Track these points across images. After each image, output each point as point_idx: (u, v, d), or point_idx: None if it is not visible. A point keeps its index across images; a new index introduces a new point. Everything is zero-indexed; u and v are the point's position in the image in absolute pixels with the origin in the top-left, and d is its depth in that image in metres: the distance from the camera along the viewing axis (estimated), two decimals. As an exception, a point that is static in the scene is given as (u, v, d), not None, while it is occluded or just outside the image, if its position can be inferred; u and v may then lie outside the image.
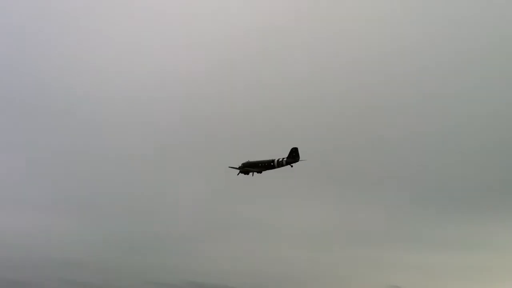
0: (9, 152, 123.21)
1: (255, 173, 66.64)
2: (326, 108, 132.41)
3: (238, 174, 63.99)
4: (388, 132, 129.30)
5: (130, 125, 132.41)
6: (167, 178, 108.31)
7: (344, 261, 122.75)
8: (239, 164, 64.33)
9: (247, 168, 63.55)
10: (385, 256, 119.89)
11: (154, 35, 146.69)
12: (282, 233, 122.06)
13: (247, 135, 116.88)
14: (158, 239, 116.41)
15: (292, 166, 63.09)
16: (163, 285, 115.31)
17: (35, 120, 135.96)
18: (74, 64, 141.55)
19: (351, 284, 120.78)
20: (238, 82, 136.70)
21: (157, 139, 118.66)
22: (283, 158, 62.87)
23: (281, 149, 66.49)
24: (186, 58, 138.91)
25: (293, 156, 62.49)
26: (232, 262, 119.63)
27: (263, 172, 66.16)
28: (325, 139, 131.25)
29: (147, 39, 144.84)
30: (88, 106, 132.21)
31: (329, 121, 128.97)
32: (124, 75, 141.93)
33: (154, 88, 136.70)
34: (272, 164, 63.43)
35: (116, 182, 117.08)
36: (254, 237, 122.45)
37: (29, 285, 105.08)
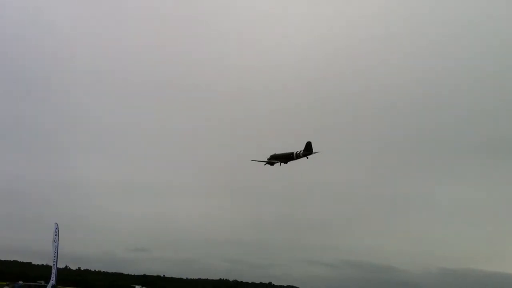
0: (195, 152, 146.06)
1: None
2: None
3: (265, 165, 72.37)
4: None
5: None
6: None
7: (499, 235, 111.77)
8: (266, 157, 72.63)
9: (273, 160, 71.72)
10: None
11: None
12: (441, 212, 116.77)
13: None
14: (315, 221, 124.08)
15: (307, 158, 69.13)
16: (320, 264, 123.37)
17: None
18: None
19: (505, 258, 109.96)
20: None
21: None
22: (300, 151, 69.52)
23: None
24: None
25: (308, 149, 68.63)
26: (392, 243, 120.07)
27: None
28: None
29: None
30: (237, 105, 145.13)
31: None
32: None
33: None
34: (292, 156, 70.41)
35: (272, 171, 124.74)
36: (416, 218, 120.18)
37: (195, 262, 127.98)
